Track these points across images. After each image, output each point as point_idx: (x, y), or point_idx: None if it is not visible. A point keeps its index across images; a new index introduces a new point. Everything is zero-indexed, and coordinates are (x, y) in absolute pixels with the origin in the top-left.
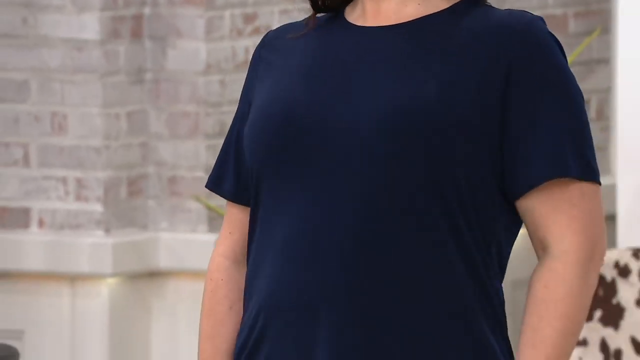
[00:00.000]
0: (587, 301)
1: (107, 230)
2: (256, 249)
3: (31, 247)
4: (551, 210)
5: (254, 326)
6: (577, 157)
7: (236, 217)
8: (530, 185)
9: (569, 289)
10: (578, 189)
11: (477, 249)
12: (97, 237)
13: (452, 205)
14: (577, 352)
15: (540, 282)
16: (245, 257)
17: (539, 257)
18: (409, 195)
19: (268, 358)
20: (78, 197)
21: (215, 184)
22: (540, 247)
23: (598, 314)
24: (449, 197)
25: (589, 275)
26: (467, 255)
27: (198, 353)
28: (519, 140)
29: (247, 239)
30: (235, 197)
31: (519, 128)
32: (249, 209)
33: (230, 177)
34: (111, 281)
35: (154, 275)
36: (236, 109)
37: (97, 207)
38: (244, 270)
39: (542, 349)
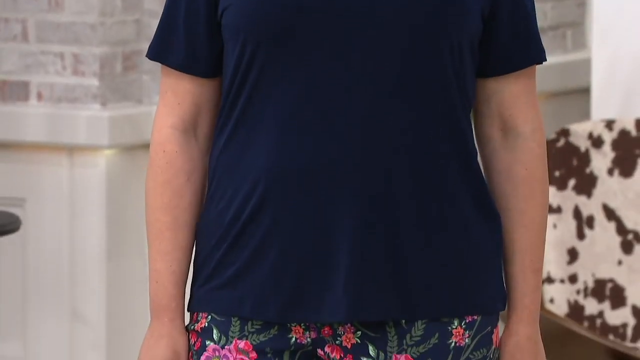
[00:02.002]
0: None
1: (103, 104)
2: (248, 122)
3: (31, 119)
4: (522, 92)
5: (251, 194)
6: (540, 41)
7: (185, 88)
8: (515, 67)
9: (544, 167)
10: (535, 71)
11: (469, 105)
12: (94, 110)
13: (459, 69)
14: (551, 219)
15: (520, 164)
16: (194, 127)
17: (489, 135)
18: (426, 62)
19: (276, 222)
20: (75, 72)
21: (158, 54)
22: (500, 126)
23: (572, 182)
24: (456, 63)
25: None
26: (465, 113)
27: (150, 223)
28: (506, 25)
29: (196, 109)
30: (186, 67)
31: (504, 15)
32: (200, 79)
33: (180, 48)
34: (108, 152)
35: (149, 147)
36: None
37: (94, 82)
38: (193, 141)
39: (533, 227)
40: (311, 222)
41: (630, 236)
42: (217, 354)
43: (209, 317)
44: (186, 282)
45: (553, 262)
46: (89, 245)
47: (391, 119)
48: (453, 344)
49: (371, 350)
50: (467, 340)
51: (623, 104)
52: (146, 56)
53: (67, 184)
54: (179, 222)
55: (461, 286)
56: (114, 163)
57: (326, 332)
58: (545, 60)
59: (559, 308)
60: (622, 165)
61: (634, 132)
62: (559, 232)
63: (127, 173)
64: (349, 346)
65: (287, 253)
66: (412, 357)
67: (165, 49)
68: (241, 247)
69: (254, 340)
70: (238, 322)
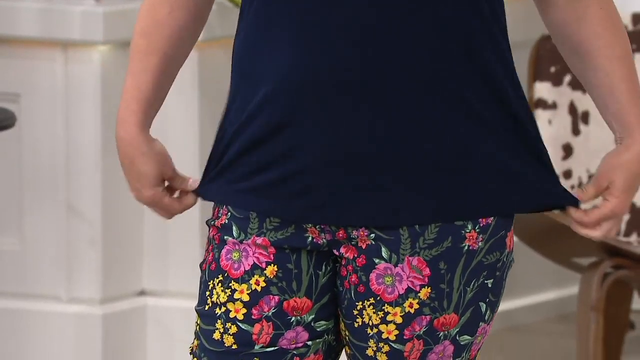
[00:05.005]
0: None
1: None
2: (265, 19)
3: (24, 14)
4: None
5: (266, 96)
6: None
7: None
8: None
9: (615, 8)
10: None
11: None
12: (88, 5)
13: None
14: (546, 114)
15: (595, 5)
16: None
17: (552, 2)
18: None
19: (288, 124)
20: None
21: None
22: None
23: (567, 78)
24: None
25: None
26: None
27: (130, 48)
28: None
29: None
30: None
31: None
32: None
33: None
34: (102, 48)
35: None
36: None
37: None
38: None
39: (627, 56)
40: (318, 125)
41: None
42: (236, 247)
43: (229, 214)
44: (153, 104)
45: None
46: (84, 141)
47: (401, 24)
48: (466, 247)
49: (384, 252)
50: (480, 244)
51: None
52: None
53: (61, 79)
54: (151, 47)
55: (470, 189)
56: (108, 59)
57: (340, 235)
58: None
59: None
60: None
61: (630, 27)
62: (553, 128)
63: (122, 68)
64: (364, 247)
65: (296, 155)
66: (424, 259)
67: None
68: (258, 146)
69: (271, 237)
70: (257, 219)
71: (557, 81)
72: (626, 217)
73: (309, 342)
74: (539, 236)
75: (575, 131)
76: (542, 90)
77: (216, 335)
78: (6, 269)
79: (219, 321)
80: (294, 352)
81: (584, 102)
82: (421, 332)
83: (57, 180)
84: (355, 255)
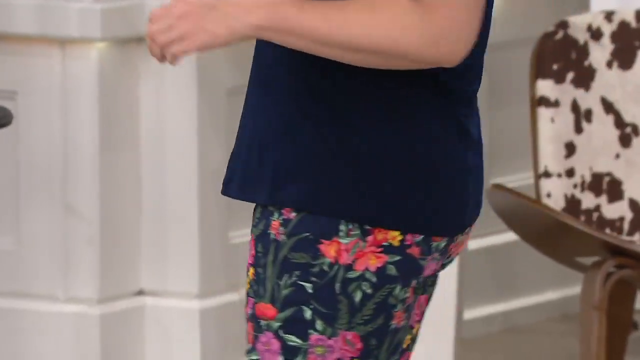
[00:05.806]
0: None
1: None
2: None
3: (22, 11)
4: None
5: None
6: None
7: None
8: None
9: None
10: None
11: None
12: (86, 2)
13: None
14: (549, 112)
15: None
16: None
17: None
18: None
19: None
20: None
21: None
22: None
23: (570, 75)
24: None
25: (422, 20)
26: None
27: None
28: None
29: None
30: None
31: None
32: None
33: None
34: (100, 45)
35: (142, 40)
36: None
37: None
38: None
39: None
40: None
41: (628, 129)
42: None
43: None
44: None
45: (550, 156)
46: (82, 139)
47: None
48: (272, 235)
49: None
50: (282, 237)
51: None
52: None
53: (59, 77)
54: None
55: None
56: (106, 56)
57: None
58: None
59: (556, 202)
60: (621, 58)
61: (633, 24)
62: (556, 126)
63: (120, 66)
64: None
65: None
66: (254, 238)
67: None
68: None
69: None
70: None
71: (559, 79)
72: (629, 216)
73: None
74: (541, 235)
75: (578, 129)
76: (545, 88)
77: None
78: (3, 269)
79: None
80: None
81: (587, 100)
82: (249, 315)
83: (54, 179)
84: None
